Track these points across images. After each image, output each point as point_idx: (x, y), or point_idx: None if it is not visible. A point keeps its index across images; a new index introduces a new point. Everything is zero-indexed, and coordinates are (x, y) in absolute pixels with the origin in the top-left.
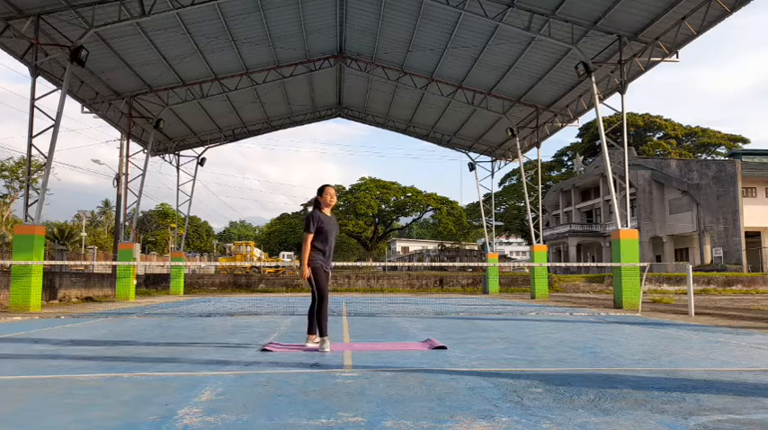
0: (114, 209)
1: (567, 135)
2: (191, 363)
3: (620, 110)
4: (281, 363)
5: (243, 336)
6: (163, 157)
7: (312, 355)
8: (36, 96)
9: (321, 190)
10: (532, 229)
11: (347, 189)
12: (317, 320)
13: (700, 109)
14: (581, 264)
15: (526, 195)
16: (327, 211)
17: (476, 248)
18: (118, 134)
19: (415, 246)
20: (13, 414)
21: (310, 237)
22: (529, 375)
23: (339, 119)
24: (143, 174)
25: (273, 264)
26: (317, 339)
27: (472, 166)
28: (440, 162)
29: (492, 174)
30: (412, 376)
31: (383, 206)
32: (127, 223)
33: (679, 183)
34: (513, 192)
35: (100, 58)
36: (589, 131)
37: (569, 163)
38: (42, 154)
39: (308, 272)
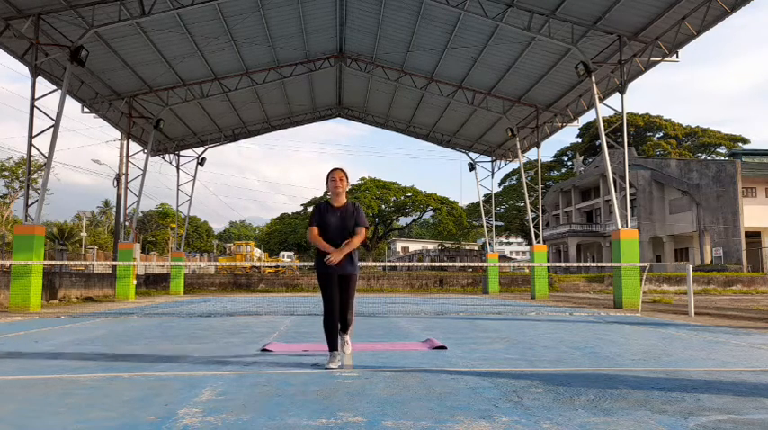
0: (114, 209)
1: (567, 135)
2: (191, 363)
3: (620, 110)
4: (281, 363)
5: (243, 336)
6: (163, 157)
7: (312, 355)
8: (36, 96)
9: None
10: (532, 229)
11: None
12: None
13: (700, 109)
14: (581, 264)
15: (526, 195)
16: (338, 200)
17: (476, 248)
18: (118, 134)
19: (415, 246)
20: (13, 414)
21: (312, 230)
22: (529, 375)
23: (339, 119)
24: (143, 174)
25: (273, 264)
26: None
27: (472, 166)
28: (440, 162)
29: (492, 174)
30: (412, 376)
31: (383, 206)
32: (127, 223)
33: (679, 183)
34: (513, 192)
35: (100, 58)
36: (589, 131)
37: (569, 163)
38: (42, 154)
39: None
